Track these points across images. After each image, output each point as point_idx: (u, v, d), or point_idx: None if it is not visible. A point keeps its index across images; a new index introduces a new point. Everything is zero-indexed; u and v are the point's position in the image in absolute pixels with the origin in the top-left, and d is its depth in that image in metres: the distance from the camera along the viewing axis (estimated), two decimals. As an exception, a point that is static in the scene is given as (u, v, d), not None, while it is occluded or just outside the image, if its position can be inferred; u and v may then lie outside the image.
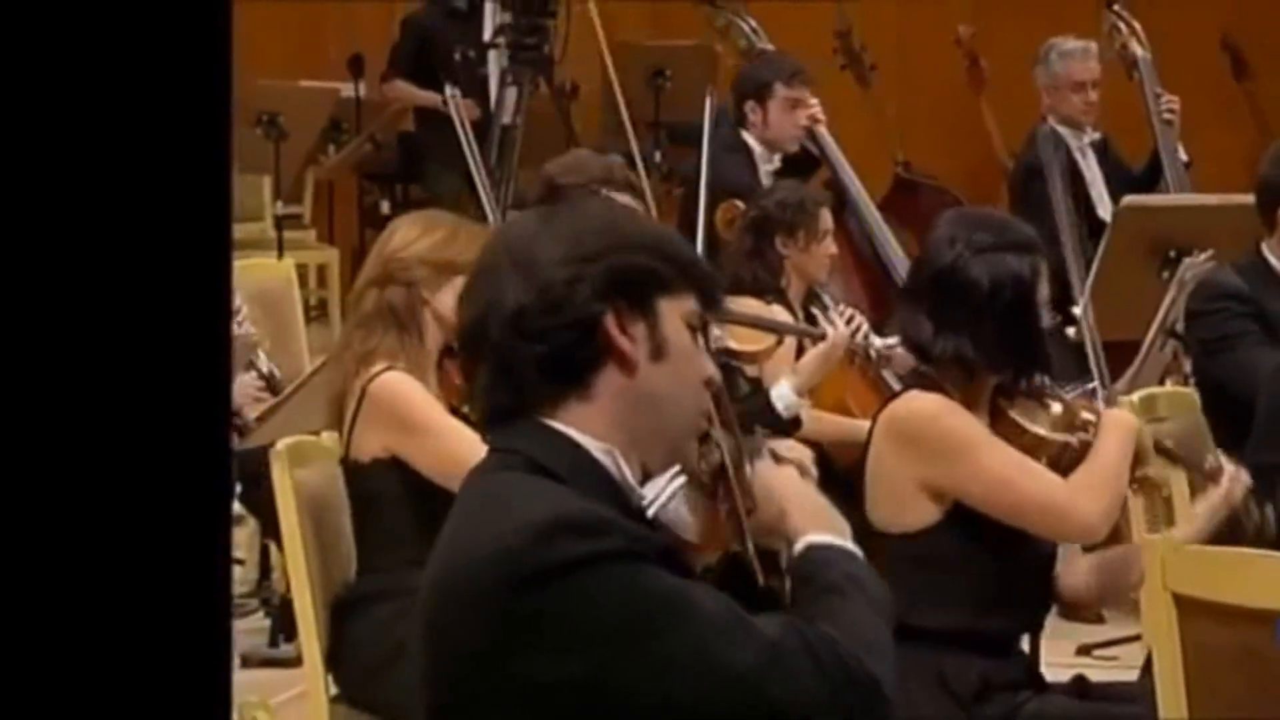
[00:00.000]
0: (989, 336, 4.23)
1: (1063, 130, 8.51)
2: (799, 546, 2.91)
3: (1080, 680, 4.40)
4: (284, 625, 6.82)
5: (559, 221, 2.88)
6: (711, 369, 2.96)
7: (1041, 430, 4.35)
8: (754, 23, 8.69)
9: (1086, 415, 4.41)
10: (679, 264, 2.89)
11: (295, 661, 6.64)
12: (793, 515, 2.95)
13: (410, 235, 4.99)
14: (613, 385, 2.80)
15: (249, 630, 6.92)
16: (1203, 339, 5.53)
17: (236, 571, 7.06)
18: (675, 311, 2.85)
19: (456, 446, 4.52)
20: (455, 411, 4.88)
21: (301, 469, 4.88)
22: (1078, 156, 8.52)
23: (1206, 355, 5.42)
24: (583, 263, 2.79)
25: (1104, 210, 8.40)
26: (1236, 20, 11.05)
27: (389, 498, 4.79)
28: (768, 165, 7.84)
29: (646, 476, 2.91)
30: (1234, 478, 4.46)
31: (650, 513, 2.89)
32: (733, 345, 5.99)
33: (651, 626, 2.69)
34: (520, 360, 2.79)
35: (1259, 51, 11.03)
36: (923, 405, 4.27)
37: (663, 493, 2.91)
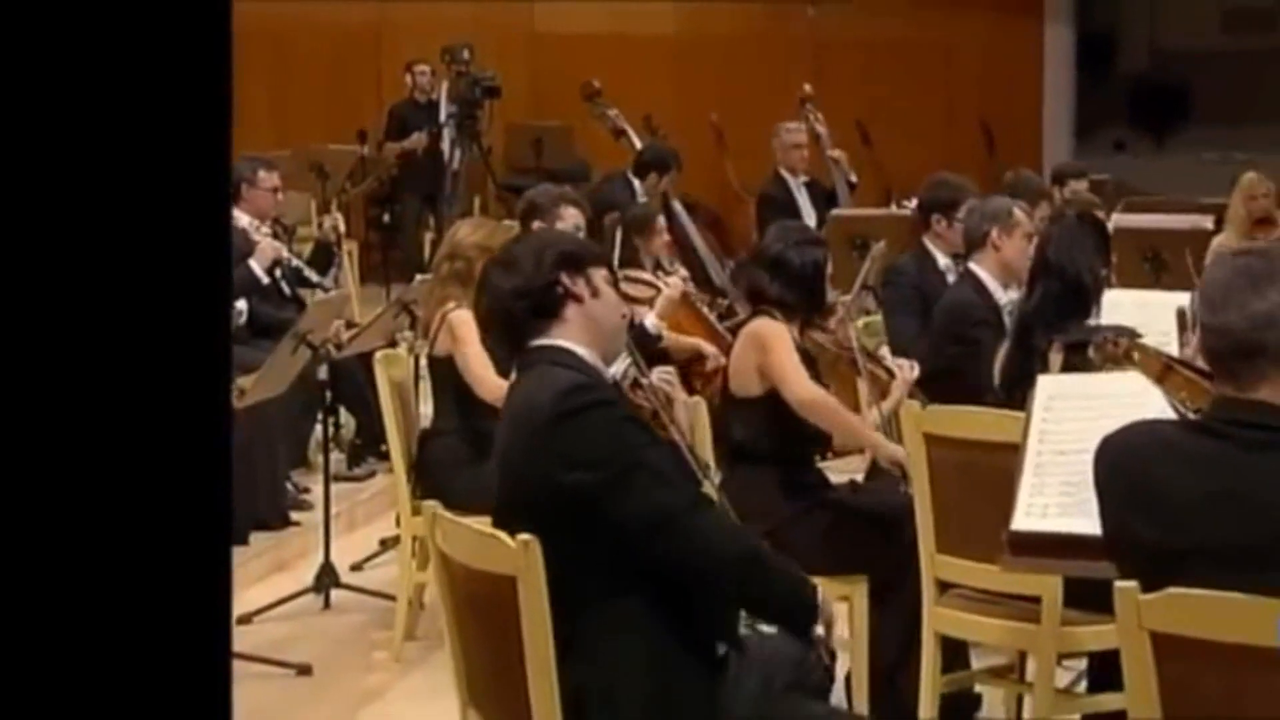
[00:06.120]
0: (797, 288, 4.22)
1: (786, 175, 8.51)
2: None
3: (854, 482, 4.36)
4: (352, 458, 6.68)
5: (519, 243, 3.03)
6: (625, 307, 3.02)
7: (829, 346, 4.40)
8: (616, 110, 8.65)
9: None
10: (591, 249, 3.04)
11: (362, 478, 6.56)
12: None
13: (466, 231, 4.97)
14: (573, 312, 2.86)
15: (333, 461, 6.74)
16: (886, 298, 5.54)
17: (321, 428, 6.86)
18: (597, 274, 2.91)
19: (475, 362, 4.59)
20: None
21: (392, 369, 4.77)
22: (795, 191, 8.52)
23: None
24: (543, 252, 2.90)
25: (811, 223, 8.43)
26: (864, 111, 11.10)
27: (452, 376, 4.73)
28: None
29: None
30: (906, 371, 4.45)
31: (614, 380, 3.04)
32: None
33: (631, 456, 2.69)
34: (521, 311, 2.85)
35: (877, 129, 11.09)
36: (766, 325, 4.20)
37: (619, 372, 3.13)
